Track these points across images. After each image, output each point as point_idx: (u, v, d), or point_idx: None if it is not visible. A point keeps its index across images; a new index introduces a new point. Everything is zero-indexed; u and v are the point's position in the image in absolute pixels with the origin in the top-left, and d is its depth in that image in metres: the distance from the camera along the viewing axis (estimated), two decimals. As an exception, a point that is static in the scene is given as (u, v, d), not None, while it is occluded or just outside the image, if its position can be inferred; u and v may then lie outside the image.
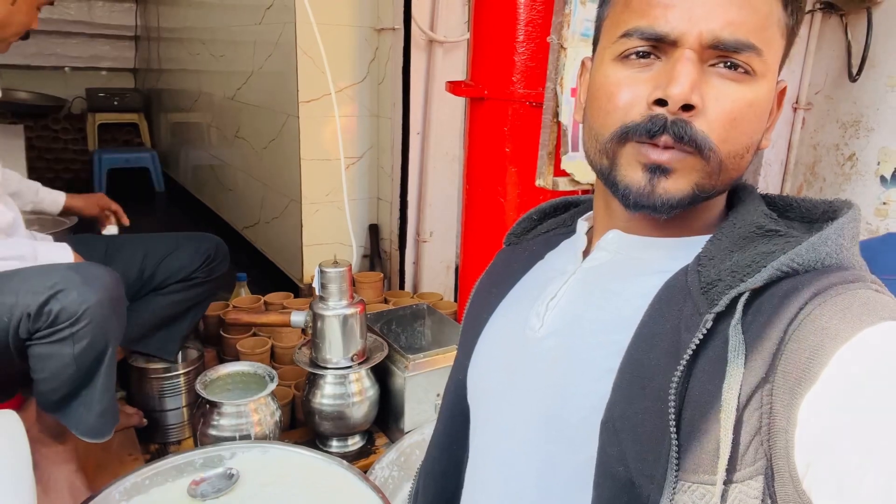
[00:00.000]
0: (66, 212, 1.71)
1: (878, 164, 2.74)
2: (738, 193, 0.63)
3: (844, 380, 0.44)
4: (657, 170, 0.54)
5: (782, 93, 0.59)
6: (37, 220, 1.90)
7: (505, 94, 1.49)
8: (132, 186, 4.19)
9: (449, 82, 1.66)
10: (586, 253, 0.66)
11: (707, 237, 0.57)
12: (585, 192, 1.40)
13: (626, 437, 0.51)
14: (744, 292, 0.50)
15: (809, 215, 0.59)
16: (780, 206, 0.62)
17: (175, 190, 4.19)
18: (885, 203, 2.77)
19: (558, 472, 0.58)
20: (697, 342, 0.49)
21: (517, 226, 0.78)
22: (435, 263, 2.47)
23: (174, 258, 1.50)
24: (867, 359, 0.44)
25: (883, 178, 2.76)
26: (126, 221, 1.51)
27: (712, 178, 0.55)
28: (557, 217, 0.77)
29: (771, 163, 2.97)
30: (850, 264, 0.52)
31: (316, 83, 2.24)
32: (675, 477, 0.48)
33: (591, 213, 0.69)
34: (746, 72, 0.53)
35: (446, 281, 2.51)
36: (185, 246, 1.52)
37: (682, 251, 0.58)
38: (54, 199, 1.68)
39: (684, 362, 0.49)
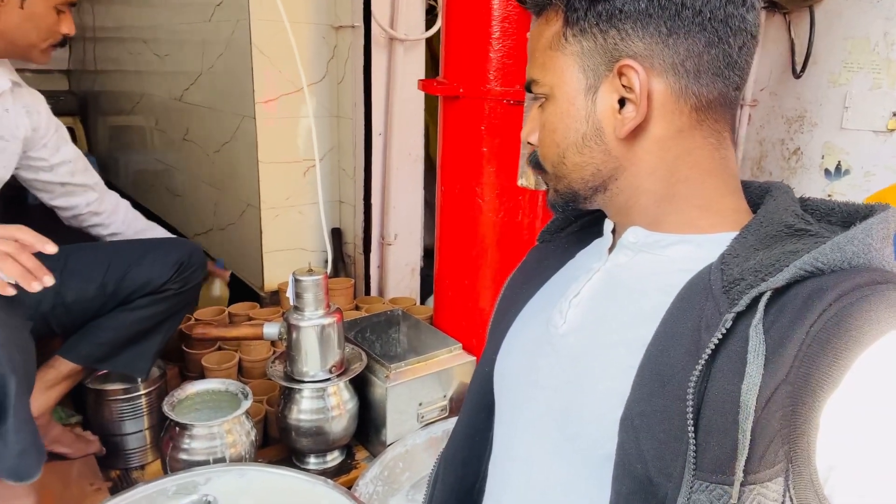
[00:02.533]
0: None
1: (822, 157, 2.84)
2: (770, 192, 0.62)
3: (868, 385, 0.44)
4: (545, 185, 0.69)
5: (620, 71, 0.59)
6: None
7: (481, 91, 1.46)
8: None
9: (421, 80, 1.61)
10: (611, 251, 0.67)
11: (733, 234, 0.57)
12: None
13: (645, 434, 0.52)
14: (765, 291, 0.49)
15: (850, 218, 0.59)
16: (822, 210, 0.61)
17: (116, 196, 3.99)
18: (829, 195, 2.88)
19: (578, 468, 0.59)
20: (717, 341, 0.49)
21: (551, 223, 0.80)
22: (400, 266, 2.41)
23: (141, 269, 1.37)
24: (891, 364, 0.44)
25: (827, 172, 2.86)
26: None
27: (557, 183, 0.65)
28: (592, 215, 0.77)
29: (723, 158, 3.04)
30: (879, 265, 0.51)
31: (273, 83, 2.15)
32: (693, 476, 0.48)
33: None
34: (542, 97, 0.64)
35: (411, 283, 2.46)
36: (153, 255, 1.39)
37: (705, 248, 0.58)
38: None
39: (703, 361, 0.49)
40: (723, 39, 0.57)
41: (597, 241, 0.72)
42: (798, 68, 2.79)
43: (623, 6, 0.57)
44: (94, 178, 1.63)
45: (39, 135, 1.43)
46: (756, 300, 0.49)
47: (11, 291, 1.00)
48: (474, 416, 0.77)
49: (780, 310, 0.49)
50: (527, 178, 1.32)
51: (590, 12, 0.58)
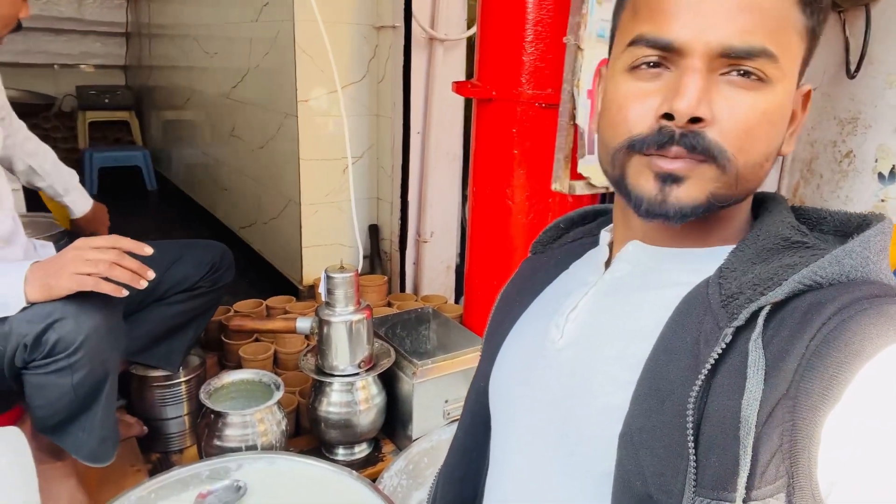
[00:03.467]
0: (74, 223, 1.66)
1: (876, 161, 2.74)
2: (764, 203, 0.61)
3: (869, 399, 0.43)
4: (668, 178, 0.53)
5: (807, 95, 0.57)
6: (30, 223, 1.85)
7: (513, 95, 1.47)
8: (124, 185, 4.13)
9: (455, 83, 1.63)
10: (608, 264, 0.66)
11: (730, 248, 0.56)
12: (603, 195, 1.38)
13: (644, 451, 0.51)
14: (764, 306, 0.49)
15: (843, 228, 0.58)
16: (813, 219, 0.60)
17: (167, 188, 4.13)
18: (883, 200, 2.77)
19: (576, 485, 0.58)
20: (716, 356, 0.48)
21: (544, 234, 0.78)
22: (436, 264, 2.44)
23: (178, 268, 1.45)
24: (892, 377, 0.43)
25: (881, 175, 2.76)
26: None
27: (729, 188, 0.53)
28: (585, 226, 0.76)
29: (769, 160, 2.96)
30: (876, 278, 0.50)
31: (315, 82, 2.21)
32: (694, 492, 0.48)
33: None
34: (760, 79, 0.51)
35: (447, 281, 2.49)
36: (188, 255, 1.47)
37: (703, 262, 0.57)
38: (81, 205, 1.64)
39: (703, 377, 0.48)
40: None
41: (591, 253, 0.70)
42: (852, 69, 2.70)
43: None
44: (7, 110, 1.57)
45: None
46: (755, 314, 0.49)
47: (125, 293, 1.10)
48: (471, 431, 0.75)
49: (779, 324, 0.48)
50: (560, 183, 1.33)
51: (819, 6, 0.53)
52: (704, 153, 0.51)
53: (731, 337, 0.49)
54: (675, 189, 0.53)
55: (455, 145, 2.38)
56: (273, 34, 2.35)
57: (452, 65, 2.29)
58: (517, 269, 0.79)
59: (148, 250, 1.15)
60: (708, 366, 0.48)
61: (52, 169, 1.60)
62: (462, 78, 2.25)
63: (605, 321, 0.60)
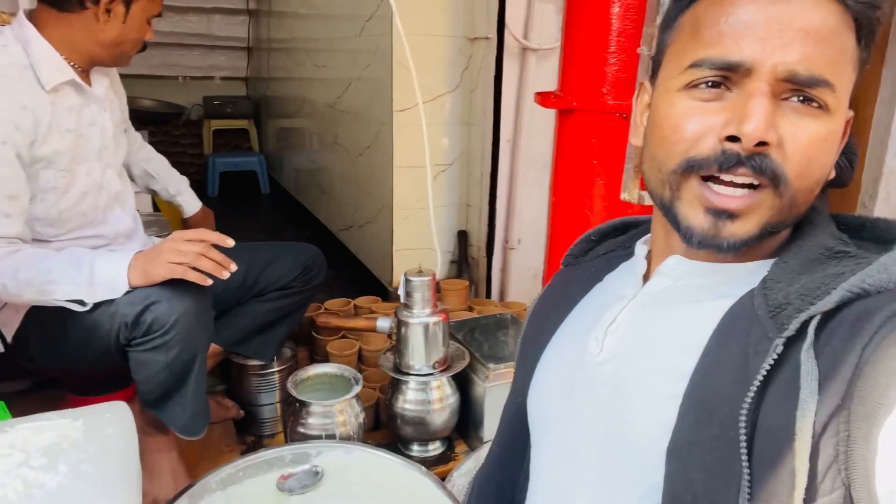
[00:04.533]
0: (184, 223, 1.85)
1: None
2: (806, 214, 0.60)
3: None
4: (722, 213, 0.54)
5: (848, 122, 0.57)
6: (155, 222, 2.06)
7: (594, 105, 1.47)
8: (241, 188, 4.46)
9: (538, 93, 1.65)
10: (646, 277, 0.65)
11: (772, 261, 0.56)
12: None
13: (694, 465, 0.50)
14: (815, 315, 0.48)
15: (885, 235, 0.57)
16: (853, 226, 0.59)
17: (278, 192, 4.41)
18: None
19: (622, 500, 0.58)
20: (768, 368, 0.48)
21: (575, 246, 0.78)
22: (523, 271, 2.46)
23: (275, 267, 1.58)
24: None
25: None
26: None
27: (783, 214, 0.54)
28: (616, 238, 0.76)
29: (895, 171, 2.73)
30: None
31: (410, 92, 2.29)
32: None
33: (649, 235, 0.67)
34: (820, 106, 0.52)
35: (533, 288, 2.49)
36: (285, 256, 1.60)
37: (746, 277, 0.57)
38: (191, 206, 1.82)
39: (755, 388, 0.48)
40: None
41: (625, 266, 0.70)
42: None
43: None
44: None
45: (122, 103, 1.58)
46: (805, 324, 0.48)
47: (209, 282, 1.24)
48: (507, 444, 0.75)
49: (829, 333, 0.48)
50: (629, 193, 1.33)
51: (874, 38, 0.54)
52: (770, 175, 0.52)
53: (782, 348, 0.48)
54: (728, 224, 0.54)
55: (545, 154, 2.38)
56: (374, 47, 2.47)
57: (545, 73, 2.30)
58: (549, 283, 0.79)
59: (230, 242, 1.27)
60: (760, 377, 0.48)
61: (165, 173, 1.79)
62: (554, 87, 2.26)
63: (646, 335, 0.60)
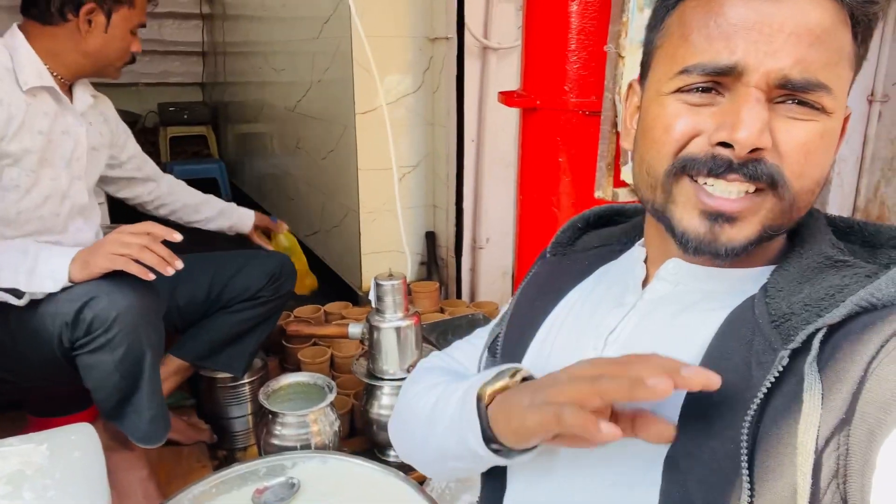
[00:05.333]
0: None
1: (964, 157, 2.57)
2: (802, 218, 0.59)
3: None
4: (719, 217, 0.52)
5: (846, 119, 0.56)
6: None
7: (558, 103, 1.48)
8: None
9: (501, 93, 1.65)
10: (645, 282, 0.63)
11: (771, 267, 0.55)
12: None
13: (692, 477, 0.49)
14: (821, 328, 0.47)
15: (873, 240, 0.57)
16: (841, 228, 0.59)
17: (240, 198, 4.32)
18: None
19: None
20: (773, 380, 0.47)
21: (562, 234, 0.76)
22: (492, 270, 2.47)
23: (241, 277, 1.54)
24: None
25: (969, 172, 2.58)
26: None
27: (783, 217, 0.53)
28: (608, 228, 0.74)
29: (846, 158, 2.83)
30: None
31: (372, 94, 2.28)
32: None
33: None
34: (816, 109, 0.50)
35: (503, 287, 2.50)
36: (251, 265, 1.57)
37: (748, 282, 0.56)
38: (244, 224, 1.88)
39: (758, 401, 0.47)
40: None
41: (618, 265, 0.68)
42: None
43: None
44: (153, 168, 1.79)
45: (114, 137, 1.61)
46: (810, 336, 0.47)
47: (151, 276, 1.20)
48: None
49: (834, 346, 0.47)
50: (603, 191, 1.33)
51: (869, 38, 0.52)
52: (766, 179, 0.50)
53: (787, 360, 0.47)
54: (726, 228, 0.52)
55: (509, 152, 2.40)
56: (333, 50, 2.45)
57: (506, 72, 2.31)
58: (534, 269, 0.76)
59: (177, 237, 1.25)
60: (764, 389, 0.47)
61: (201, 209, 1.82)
62: (516, 85, 2.27)
63: (647, 344, 0.57)
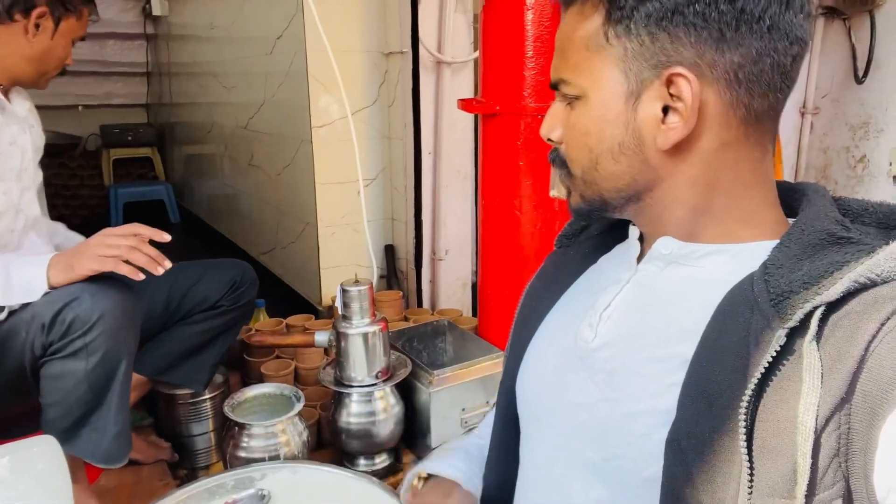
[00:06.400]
0: None
1: (890, 164, 2.74)
2: (807, 195, 0.60)
3: None
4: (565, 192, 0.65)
5: (669, 80, 0.54)
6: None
7: (517, 108, 1.52)
8: (148, 219, 4.23)
9: (461, 100, 1.69)
10: (640, 259, 0.64)
11: (767, 242, 0.56)
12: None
13: (694, 456, 0.49)
14: (819, 306, 0.47)
15: (887, 221, 0.57)
16: (855, 210, 0.59)
17: (190, 220, 4.24)
18: (899, 203, 2.77)
19: (620, 491, 0.57)
20: (770, 360, 0.47)
21: (569, 226, 0.77)
22: (451, 281, 2.48)
23: (200, 287, 1.50)
24: None
25: (896, 179, 2.76)
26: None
27: (586, 189, 0.61)
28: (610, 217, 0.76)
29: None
30: None
31: (328, 109, 2.29)
32: (748, 499, 0.46)
33: None
34: (573, 97, 0.59)
35: (463, 298, 2.52)
36: (210, 274, 1.52)
37: (740, 258, 0.57)
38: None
39: (756, 380, 0.47)
40: (778, 49, 0.53)
41: (620, 247, 0.69)
42: (860, 74, 2.72)
43: (676, 7, 0.52)
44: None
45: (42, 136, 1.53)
46: (808, 314, 0.47)
47: (142, 276, 1.18)
48: (503, 431, 0.73)
49: (833, 324, 0.47)
50: (558, 190, 1.37)
51: (637, 12, 0.53)
52: (559, 163, 0.62)
53: (784, 339, 0.47)
54: (570, 199, 0.64)
55: (466, 164, 2.43)
56: (286, 66, 2.44)
57: (460, 86, 2.35)
58: (542, 264, 0.78)
59: (166, 237, 1.24)
60: (762, 369, 0.47)
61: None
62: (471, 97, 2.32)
63: (642, 320, 0.59)
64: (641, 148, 0.56)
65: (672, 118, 0.55)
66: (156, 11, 4.10)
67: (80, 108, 4.55)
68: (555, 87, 0.61)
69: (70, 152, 4.36)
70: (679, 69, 0.53)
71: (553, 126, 0.61)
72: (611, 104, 0.56)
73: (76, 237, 1.63)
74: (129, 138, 4.45)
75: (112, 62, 4.50)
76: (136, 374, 1.48)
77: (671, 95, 0.54)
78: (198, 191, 4.11)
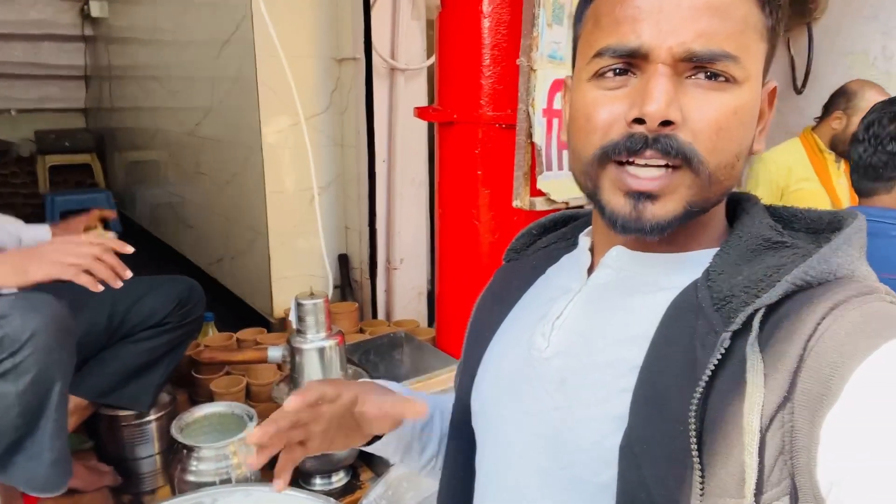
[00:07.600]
0: None
1: (828, 171, 2.85)
2: (741, 204, 0.62)
3: (866, 397, 0.43)
4: (641, 196, 0.53)
5: (772, 93, 0.58)
6: None
7: (474, 117, 1.50)
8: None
9: (417, 108, 1.66)
10: (590, 270, 0.64)
11: (713, 251, 0.57)
12: (563, 209, 1.41)
13: (646, 461, 0.50)
14: (760, 308, 0.48)
15: (815, 226, 0.58)
16: (785, 217, 0.61)
17: (132, 230, 4.08)
18: (836, 209, 2.88)
19: (573, 498, 0.57)
20: (716, 363, 0.48)
21: (516, 241, 0.77)
22: (407, 290, 2.45)
23: (145, 303, 1.42)
24: (887, 375, 0.44)
25: (833, 186, 2.86)
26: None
27: (704, 192, 0.53)
28: (557, 231, 0.76)
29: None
30: (861, 274, 0.51)
31: (278, 115, 2.23)
32: (700, 501, 0.47)
33: (591, 227, 0.67)
34: (727, 80, 0.52)
35: (419, 307, 2.49)
36: (155, 290, 1.44)
37: (688, 266, 0.57)
38: (36, 237, 1.56)
39: (703, 384, 0.48)
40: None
41: (568, 258, 0.69)
42: (799, 84, 2.82)
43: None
44: None
45: None
46: (750, 317, 0.48)
47: (100, 288, 1.11)
48: (458, 449, 0.72)
49: (774, 325, 0.48)
50: (521, 200, 1.36)
51: (782, 10, 0.54)
52: (679, 156, 0.51)
53: (729, 342, 0.48)
54: (648, 206, 0.53)
55: (420, 172, 2.40)
56: (235, 71, 2.37)
57: (414, 93, 2.33)
58: (491, 278, 0.77)
59: (129, 249, 1.19)
60: (708, 372, 0.48)
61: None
62: (425, 105, 2.29)
63: (593, 328, 0.59)
64: (749, 151, 0.56)
65: (760, 124, 0.57)
66: (95, 13, 3.94)
67: (12, 111, 4.33)
68: (707, 59, 0.51)
69: (1, 159, 4.15)
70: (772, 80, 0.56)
71: (670, 102, 0.51)
72: (758, 99, 0.55)
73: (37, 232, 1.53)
74: (67, 144, 4.26)
75: (48, 64, 4.31)
76: (77, 398, 1.40)
77: (768, 98, 0.57)
78: (141, 199, 3.96)
